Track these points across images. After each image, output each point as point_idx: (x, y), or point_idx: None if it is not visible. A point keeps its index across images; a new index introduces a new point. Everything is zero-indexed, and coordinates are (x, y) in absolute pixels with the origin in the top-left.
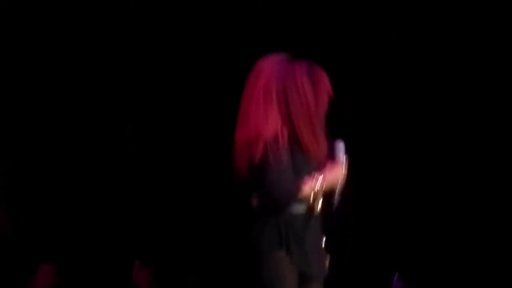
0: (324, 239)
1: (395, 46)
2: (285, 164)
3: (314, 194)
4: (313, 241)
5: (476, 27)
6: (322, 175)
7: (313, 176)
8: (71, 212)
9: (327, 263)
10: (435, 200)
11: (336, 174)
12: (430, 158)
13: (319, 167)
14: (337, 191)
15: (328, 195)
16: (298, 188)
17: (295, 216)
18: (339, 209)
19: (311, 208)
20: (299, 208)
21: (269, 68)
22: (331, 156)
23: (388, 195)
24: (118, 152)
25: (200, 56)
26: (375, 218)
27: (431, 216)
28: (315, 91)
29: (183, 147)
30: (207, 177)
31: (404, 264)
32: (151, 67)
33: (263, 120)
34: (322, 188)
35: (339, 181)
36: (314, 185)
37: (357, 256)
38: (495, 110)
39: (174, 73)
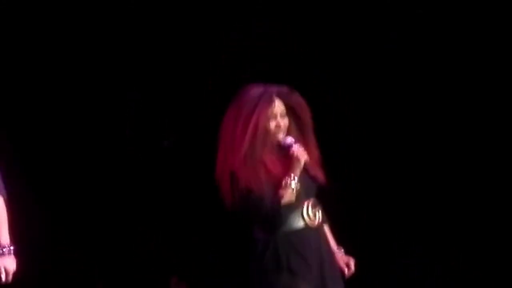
0: (341, 251)
1: (395, 46)
2: (249, 190)
3: (294, 191)
4: (316, 257)
5: (476, 27)
6: (290, 172)
7: (284, 180)
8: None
9: (346, 271)
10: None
11: (296, 159)
12: (430, 157)
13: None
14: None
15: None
16: (277, 197)
17: (293, 232)
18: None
19: (306, 219)
20: (295, 223)
21: (232, 102)
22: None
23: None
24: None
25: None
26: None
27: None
28: (250, 121)
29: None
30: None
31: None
32: (151, 67)
33: (218, 156)
34: (295, 180)
35: (302, 161)
36: (289, 184)
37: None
38: (495, 110)
39: (174, 73)
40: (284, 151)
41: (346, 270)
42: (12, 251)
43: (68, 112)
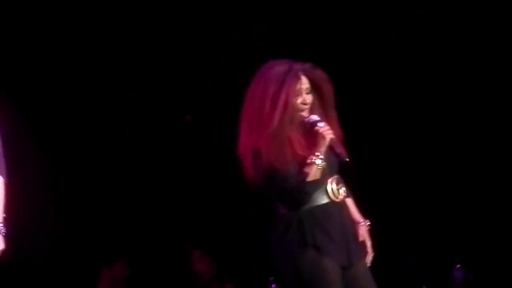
0: (367, 223)
1: (395, 46)
2: (274, 167)
3: (319, 168)
4: (340, 229)
5: (476, 26)
6: (315, 150)
7: (309, 158)
8: (134, 208)
9: (366, 246)
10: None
11: (321, 136)
12: (430, 157)
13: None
14: (333, 145)
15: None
16: (302, 175)
17: (317, 208)
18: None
19: (331, 195)
20: (319, 199)
21: (255, 78)
22: (311, 123)
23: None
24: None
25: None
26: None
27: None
28: (279, 97)
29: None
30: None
31: (463, 253)
32: (151, 67)
33: (240, 140)
34: (321, 157)
35: (327, 140)
36: (314, 162)
37: (418, 245)
38: (495, 110)
39: (174, 72)
40: (309, 128)
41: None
42: (2, 231)
43: (68, 112)
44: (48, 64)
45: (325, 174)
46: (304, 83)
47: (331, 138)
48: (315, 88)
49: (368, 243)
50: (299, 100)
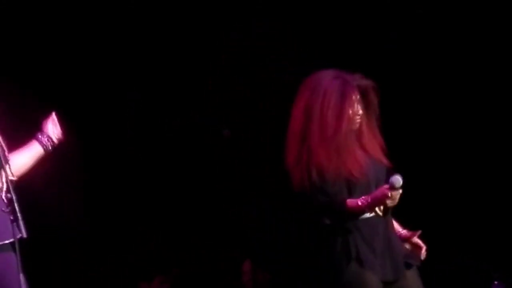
0: (418, 233)
1: (395, 46)
2: (319, 191)
3: (360, 206)
4: (383, 245)
5: (476, 27)
6: (369, 196)
7: (361, 199)
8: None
9: (419, 255)
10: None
11: (383, 198)
12: (430, 158)
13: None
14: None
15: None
16: (340, 199)
17: (362, 221)
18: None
19: (377, 210)
20: (365, 214)
21: (307, 88)
22: (389, 184)
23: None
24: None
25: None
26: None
27: None
28: (340, 113)
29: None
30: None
31: (501, 269)
32: (151, 67)
33: (289, 151)
34: (367, 204)
35: (386, 205)
36: (359, 203)
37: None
38: (495, 110)
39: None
40: (389, 185)
41: (421, 248)
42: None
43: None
44: (48, 64)
45: (371, 188)
46: (357, 94)
47: (391, 206)
48: (362, 97)
49: (423, 248)
50: (353, 111)
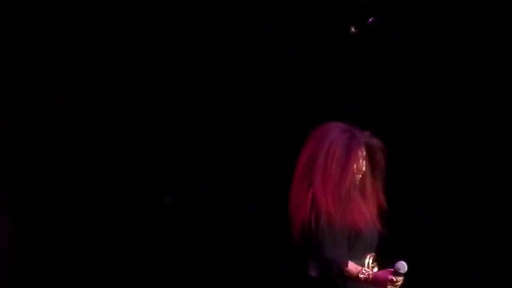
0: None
1: (395, 46)
2: (321, 234)
3: (358, 278)
4: None
5: (476, 27)
6: (371, 273)
7: (368, 262)
8: None
9: None
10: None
11: (384, 283)
12: (431, 159)
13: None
14: None
15: None
16: (342, 259)
17: (353, 284)
18: None
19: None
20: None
21: (314, 138)
22: (394, 269)
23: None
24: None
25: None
26: None
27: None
28: (345, 165)
29: None
30: None
31: None
32: (151, 67)
33: (295, 195)
34: (366, 281)
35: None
36: (361, 272)
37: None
38: (495, 111)
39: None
40: (394, 271)
41: None
42: None
43: (68, 112)
44: (48, 63)
45: (365, 250)
46: (363, 150)
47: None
48: (368, 155)
49: None
50: (358, 166)
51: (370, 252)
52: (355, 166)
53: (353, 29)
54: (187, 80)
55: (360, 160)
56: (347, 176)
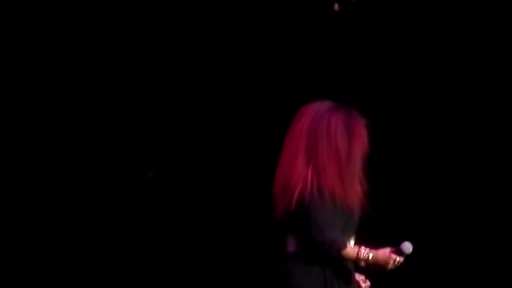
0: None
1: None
2: (322, 211)
3: (357, 259)
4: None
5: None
6: (371, 253)
7: (360, 247)
8: None
9: None
10: None
11: (384, 262)
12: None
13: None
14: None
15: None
16: (341, 241)
17: (341, 269)
18: None
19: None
20: (345, 263)
21: (309, 114)
22: (395, 249)
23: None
24: None
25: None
26: None
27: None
28: (349, 141)
29: None
30: None
31: None
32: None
33: (291, 169)
34: (365, 262)
35: (384, 269)
36: (360, 253)
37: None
38: (495, 112)
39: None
40: (396, 249)
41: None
42: None
43: (68, 112)
44: (47, 63)
45: (352, 233)
46: (365, 127)
47: (390, 268)
48: None
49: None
50: (363, 144)
51: (353, 234)
52: (357, 145)
53: (336, 7)
54: (187, 80)
55: (365, 137)
56: (356, 153)
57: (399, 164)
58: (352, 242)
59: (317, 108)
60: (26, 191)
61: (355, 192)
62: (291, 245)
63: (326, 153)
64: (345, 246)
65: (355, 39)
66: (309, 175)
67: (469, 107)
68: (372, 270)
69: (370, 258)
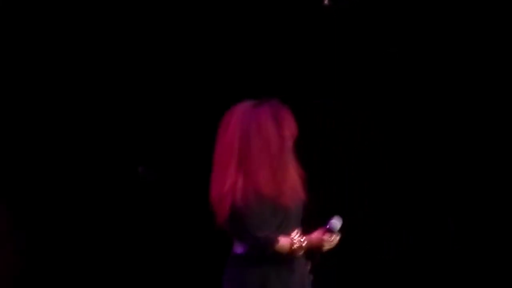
0: (311, 279)
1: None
2: (253, 215)
3: (293, 250)
4: (299, 284)
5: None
6: (304, 238)
7: (295, 234)
8: None
9: None
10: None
11: (320, 244)
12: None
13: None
14: (318, 254)
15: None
16: (273, 237)
17: (279, 259)
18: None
19: (293, 253)
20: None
21: (235, 119)
22: (327, 228)
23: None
24: None
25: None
26: None
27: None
28: (280, 131)
29: None
30: None
31: None
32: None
33: (223, 178)
34: (301, 248)
35: (321, 250)
36: (293, 243)
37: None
38: (495, 112)
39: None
40: (326, 228)
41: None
42: None
43: (68, 113)
44: (47, 63)
45: (293, 226)
46: (290, 116)
47: (327, 247)
48: None
49: None
50: (291, 132)
51: (296, 226)
52: (288, 133)
53: (326, 1)
54: (187, 80)
55: (293, 123)
56: (287, 141)
57: (399, 164)
58: (296, 235)
59: (243, 109)
60: (25, 191)
61: (290, 183)
62: (237, 248)
63: (259, 149)
64: (277, 241)
65: (353, 38)
66: (240, 182)
67: (469, 107)
68: (315, 255)
69: (304, 244)
